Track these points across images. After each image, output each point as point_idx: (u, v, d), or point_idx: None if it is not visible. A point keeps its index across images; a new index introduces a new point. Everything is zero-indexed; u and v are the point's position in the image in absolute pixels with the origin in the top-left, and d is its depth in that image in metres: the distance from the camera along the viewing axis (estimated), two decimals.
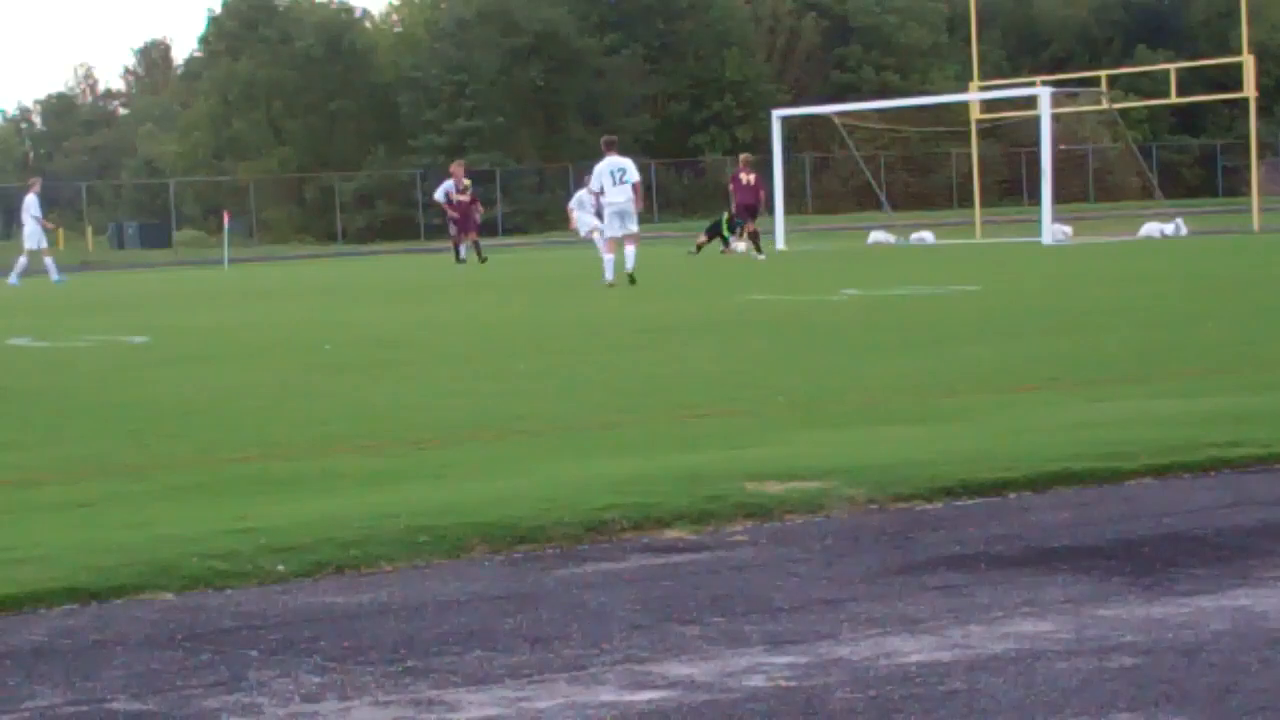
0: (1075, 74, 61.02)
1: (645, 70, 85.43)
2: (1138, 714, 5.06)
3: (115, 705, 5.61)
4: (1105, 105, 54.39)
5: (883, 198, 57.88)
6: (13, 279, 41.63)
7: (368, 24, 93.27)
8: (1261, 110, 53.73)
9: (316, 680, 5.79)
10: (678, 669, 5.76)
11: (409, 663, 5.97)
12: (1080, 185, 76.41)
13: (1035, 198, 49.58)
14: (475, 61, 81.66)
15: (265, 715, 5.44)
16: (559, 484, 9.07)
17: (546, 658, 5.96)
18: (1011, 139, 72.19)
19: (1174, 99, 50.29)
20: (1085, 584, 6.79)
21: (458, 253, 41.40)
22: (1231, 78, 47.12)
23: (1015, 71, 74.94)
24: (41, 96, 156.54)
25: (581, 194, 37.31)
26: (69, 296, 34.44)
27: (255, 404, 13.40)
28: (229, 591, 7.23)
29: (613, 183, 29.28)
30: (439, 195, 41.35)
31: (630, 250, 28.71)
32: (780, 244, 44.93)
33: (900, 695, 5.33)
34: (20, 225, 43.84)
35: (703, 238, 44.29)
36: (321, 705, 5.51)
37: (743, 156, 43.44)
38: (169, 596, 7.13)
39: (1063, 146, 57.94)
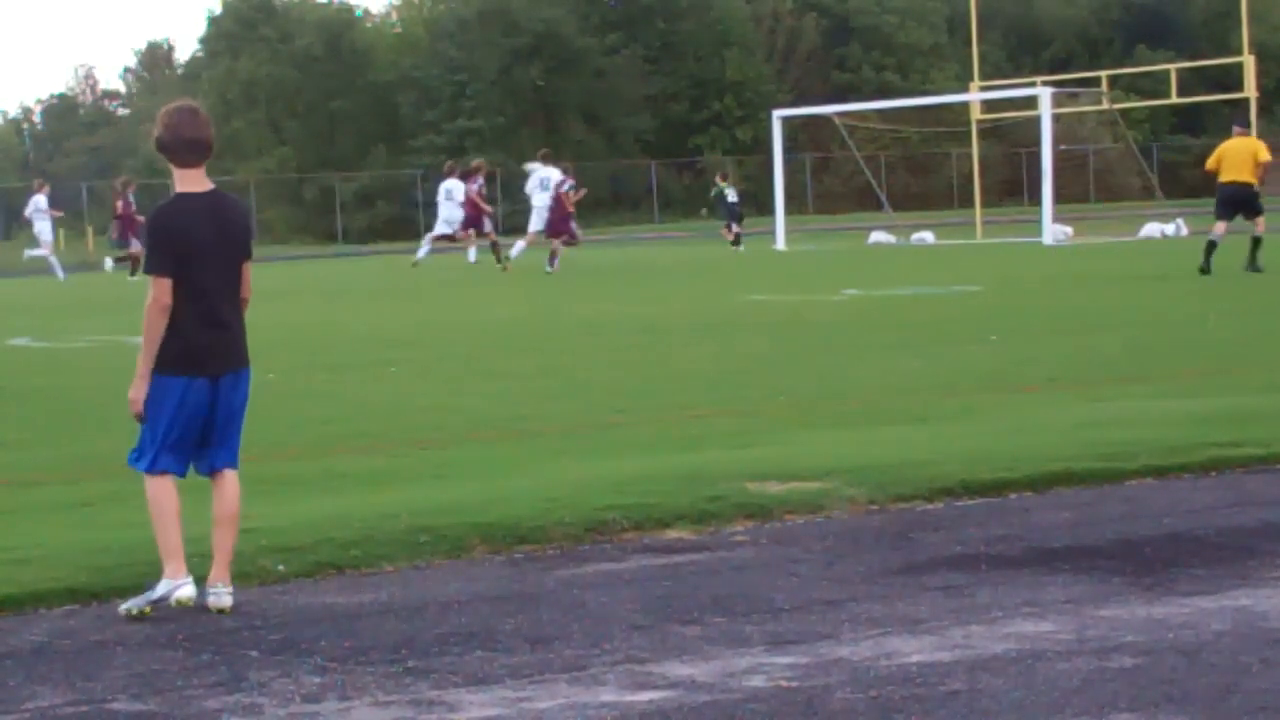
0: (1075, 74, 60.99)
1: (645, 70, 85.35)
2: (1138, 714, 5.06)
3: (116, 705, 5.61)
4: (1106, 105, 54.39)
5: (883, 198, 57.86)
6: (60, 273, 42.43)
7: (368, 24, 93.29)
8: (1262, 110, 53.65)
9: (317, 680, 5.79)
10: (678, 669, 5.76)
11: (410, 663, 5.97)
12: (1081, 185, 76.35)
13: (1036, 198, 49.57)
14: (475, 62, 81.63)
15: (266, 715, 5.44)
16: (559, 484, 9.08)
17: (547, 658, 5.96)
18: (1012, 139, 72.15)
19: (1174, 99, 50.27)
20: (1086, 584, 6.80)
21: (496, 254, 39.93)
22: (1232, 78, 47.10)
23: (1016, 72, 74.89)
24: (42, 96, 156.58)
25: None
26: (69, 296, 34.46)
27: (255, 404, 13.33)
28: None
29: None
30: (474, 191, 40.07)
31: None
32: (781, 244, 44.93)
33: (901, 695, 5.33)
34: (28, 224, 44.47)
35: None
36: (322, 705, 5.51)
37: (474, 164, 41.93)
38: None
39: (1063, 147, 57.88)
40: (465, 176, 39.24)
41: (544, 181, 36.19)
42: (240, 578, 7.28)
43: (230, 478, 7.12)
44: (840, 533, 8.04)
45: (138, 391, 6.99)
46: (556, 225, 35.58)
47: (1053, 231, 40.80)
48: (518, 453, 10.62)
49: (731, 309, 22.55)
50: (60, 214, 45.27)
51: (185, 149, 7.06)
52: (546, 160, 37.00)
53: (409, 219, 78.17)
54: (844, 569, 7.25)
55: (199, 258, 6.97)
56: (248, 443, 11.30)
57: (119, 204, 41.06)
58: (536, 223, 36.17)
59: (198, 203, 7.06)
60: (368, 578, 7.40)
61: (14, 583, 7.21)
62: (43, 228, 43.34)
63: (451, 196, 39.85)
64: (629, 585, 7.08)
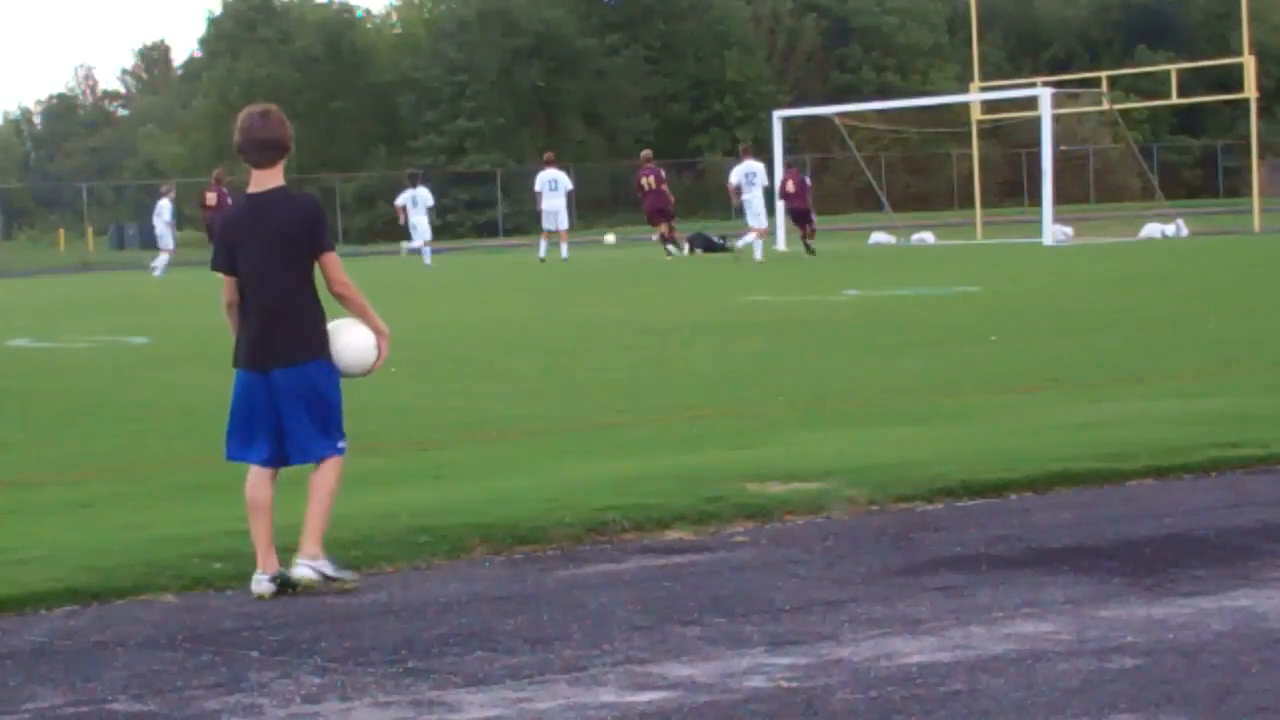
0: (1076, 74, 61.00)
1: (646, 71, 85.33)
2: (1139, 715, 5.06)
3: (116, 706, 5.61)
4: (1106, 106, 54.36)
5: (883, 198, 57.81)
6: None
7: (368, 24, 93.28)
8: (1262, 111, 53.65)
9: (317, 681, 5.79)
10: (678, 670, 5.76)
11: (410, 664, 5.97)
12: (1081, 186, 76.33)
13: (1036, 198, 49.53)
14: (476, 62, 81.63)
15: (266, 716, 5.44)
16: (559, 484, 9.07)
17: (547, 659, 5.96)
18: (1012, 140, 72.13)
19: (1174, 100, 50.22)
20: (1086, 585, 6.80)
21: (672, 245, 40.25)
22: (1232, 78, 47.08)
23: (1016, 72, 74.82)
24: (42, 97, 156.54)
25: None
26: (69, 297, 34.46)
27: None
28: (230, 592, 7.24)
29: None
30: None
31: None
32: (781, 244, 44.90)
33: (901, 696, 5.33)
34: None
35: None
36: (322, 706, 5.51)
37: (644, 154, 43.10)
38: (170, 597, 7.14)
39: (1063, 147, 57.85)
40: (645, 168, 40.48)
41: (750, 175, 37.82)
42: (240, 577, 7.29)
43: (322, 466, 7.36)
44: (840, 533, 8.04)
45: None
46: (800, 213, 38.43)
47: (1053, 232, 40.78)
48: (518, 453, 10.62)
49: (731, 309, 22.55)
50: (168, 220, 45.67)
51: (255, 149, 7.39)
52: (747, 154, 38.89)
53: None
54: (844, 569, 7.25)
55: (243, 255, 7.28)
56: None
57: (211, 195, 41.35)
58: (754, 217, 37.68)
59: (250, 201, 7.39)
60: (368, 578, 7.40)
61: (14, 583, 7.21)
62: (164, 233, 44.10)
63: (556, 188, 40.85)
64: (629, 586, 7.08)
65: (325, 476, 7.32)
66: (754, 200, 37.41)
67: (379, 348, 7.48)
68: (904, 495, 8.71)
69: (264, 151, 7.34)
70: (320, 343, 7.31)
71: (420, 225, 42.57)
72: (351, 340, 7.42)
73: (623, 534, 8.10)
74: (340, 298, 7.38)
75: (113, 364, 17.92)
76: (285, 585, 7.18)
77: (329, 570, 7.19)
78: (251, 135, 7.34)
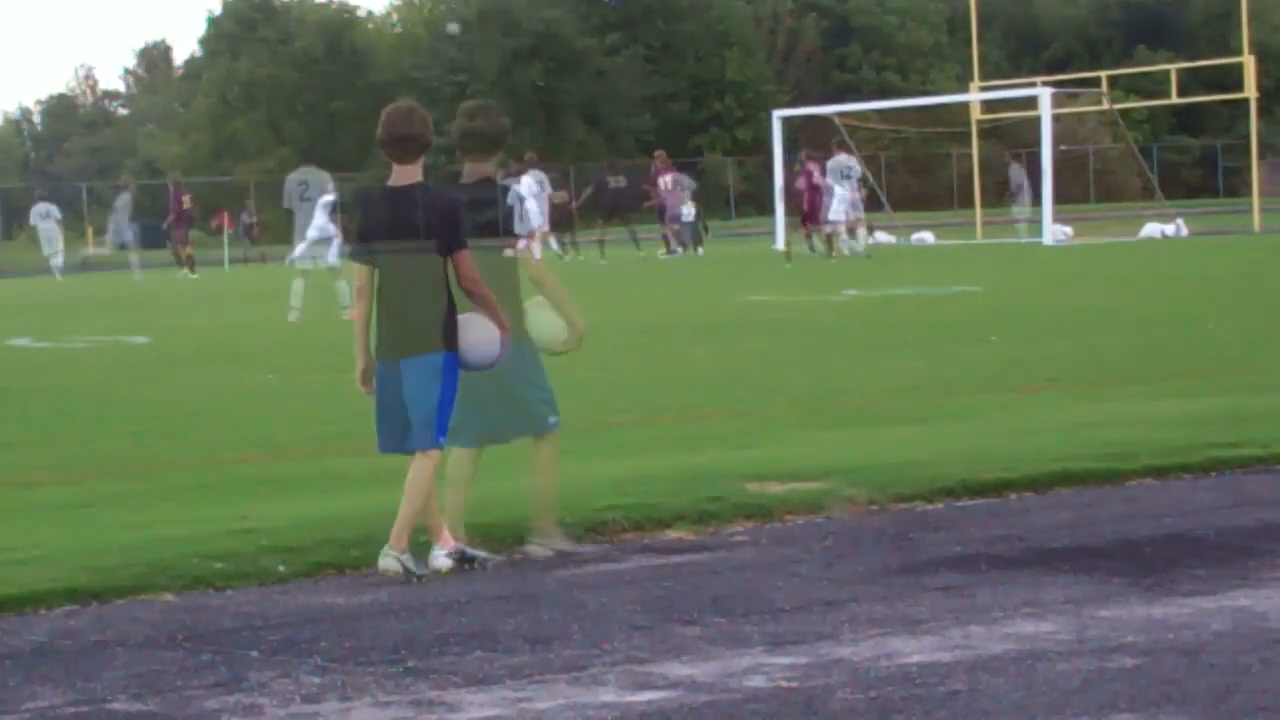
0: (1075, 74, 60.96)
1: (646, 71, 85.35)
2: (1139, 714, 5.06)
3: (116, 706, 5.61)
4: (1106, 106, 54.34)
5: (883, 198, 57.78)
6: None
7: (368, 25, 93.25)
8: (1262, 111, 53.58)
9: (317, 681, 5.79)
10: (678, 669, 5.76)
11: (409, 663, 5.97)
12: (1081, 186, 76.29)
13: (1036, 198, 49.54)
14: (476, 62, 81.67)
15: (266, 716, 5.44)
16: (560, 484, 9.06)
17: (547, 658, 5.96)
18: (1012, 139, 72.12)
19: (1174, 99, 50.22)
20: (1086, 585, 6.80)
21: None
22: (1232, 78, 47.05)
23: (1016, 72, 74.77)
24: (42, 97, 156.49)
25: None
26: (69, 297, 34.44)
27: (255, 404, 13.40)
28: (229, 592, 7.24)
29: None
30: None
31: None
32: (780, 244, 44.91)
33: (901, 696, 5.33)
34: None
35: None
36: (322, 706, 5.51)
37: (660, 154, 43.45)
38: (169, 597, 7.14)
39: (1063, 147, 57.79)
40: (661, 169, 40.97)
41: (846, 170, 38.28)
42: (240, 577, 7.29)
43: (416, 458, 7.48)
44: (840, 533, 8.04)
45: (356, 370, 7.77)
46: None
47: (1053, 232, 40.78)
48: (518, 453, 10.60)
49: (731, 309, 22.54)
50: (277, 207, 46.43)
51: (397, 144, 7.65)
52: (841, 149, 39.26)
53: None
54: (844, 569, 7.25)
55: (376, 246, 7.58)
56: (248, 442, 11.35)
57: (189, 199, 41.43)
58: (849, 211, 38.04)
59: (385, 194, 7.69)
60: (368, 578, 7.40)
61: (14, 583, 7.21)
62: (326, 225, 45.02)
63: (545, 188, 41.32)
64: (629, 585, 7.08)
65: (420, 475, 7.45)
66: (846, 194, 37.72)
67: (502, 342, 7.69)
68: (904, 495, 8.71)
69: (406, 147, 7.59)
70: (448, 335, 7.53)
71: (531, 212, 42.93)
72: (481, 334, 7.64)
73: (623, 534, 8.10)
74: (469, 293, 7.62)
75: (113, 364, 17.91)
76: (464, 561, 7.46)
77: (410, 565, 7.36)
78: (395, 130, 7.60)
